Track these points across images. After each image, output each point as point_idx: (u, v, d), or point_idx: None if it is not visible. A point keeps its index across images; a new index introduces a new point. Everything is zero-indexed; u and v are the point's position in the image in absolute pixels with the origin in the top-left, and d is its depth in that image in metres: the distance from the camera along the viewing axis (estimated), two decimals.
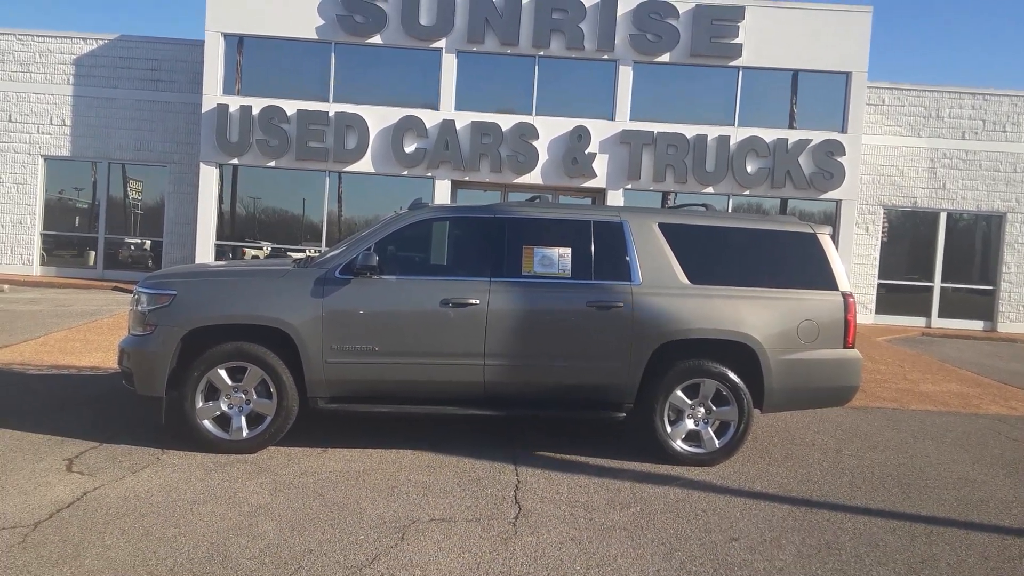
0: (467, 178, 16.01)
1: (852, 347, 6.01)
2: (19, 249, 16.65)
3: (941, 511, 5.13)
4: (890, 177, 17.40)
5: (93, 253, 17.25)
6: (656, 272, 5.84)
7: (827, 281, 6.00)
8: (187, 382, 5.44)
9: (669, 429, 5.77)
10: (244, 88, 15.85)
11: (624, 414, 5.82)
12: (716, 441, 5.80)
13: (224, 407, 5.53)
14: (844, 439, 6.93)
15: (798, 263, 6.09)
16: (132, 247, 17.58)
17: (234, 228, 16.68)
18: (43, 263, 17.22)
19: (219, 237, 16.16)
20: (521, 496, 4.95)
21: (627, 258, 5.86)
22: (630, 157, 16.04)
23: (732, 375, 5.76)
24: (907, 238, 17.98)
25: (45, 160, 16.83)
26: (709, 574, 3.93)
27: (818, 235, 6.12)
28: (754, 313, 5.83)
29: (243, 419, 5.53)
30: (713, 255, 6.09)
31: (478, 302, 5.60)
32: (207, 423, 5.50)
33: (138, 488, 4.73)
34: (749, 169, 15.93)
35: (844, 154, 16.03)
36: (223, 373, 5.48)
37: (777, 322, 5.84)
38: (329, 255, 5.84)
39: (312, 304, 5.51)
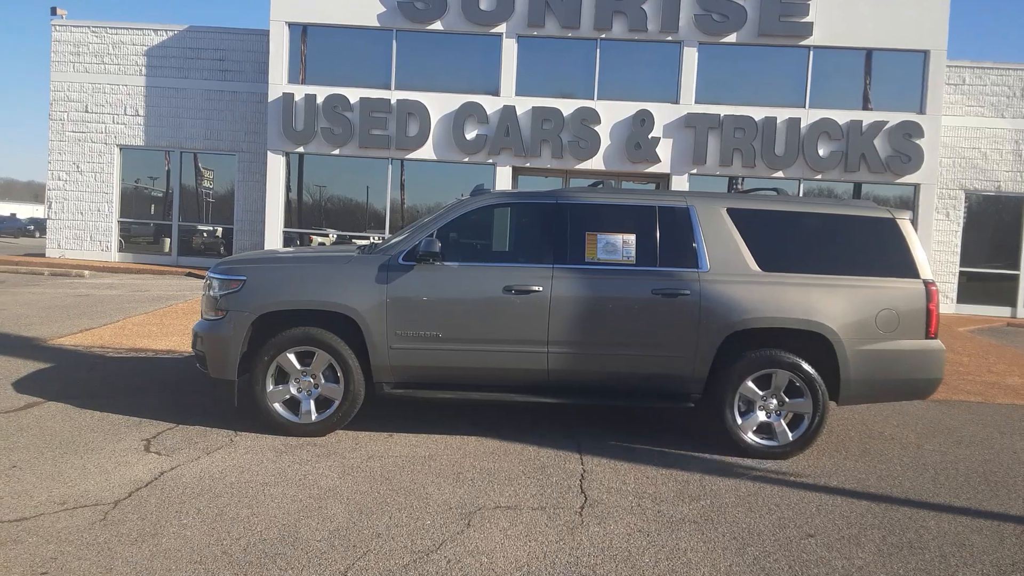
0: (528, 164, 15.92)
1: (935, 337, 5.73)
2: (98, 236, 17.32)
3: None
4: (972, 160, 16.59)
5: (167, 240, 17.84)
6: (725, 259, 5.67)
7: (908, 268, 5.73)
8: (257, 366, 5.54)
9: (740, 421, 5.62)
10: (308, 77, 16.08)
11: (692, 404, 5.69)
12: (789, 434, 5.62)
13: (293, 391, 5.61)
14: (925, 433, 6.64)
15: (876, 250, 5.83)
16: (204, 234, 18.10)
17: (301, 215, 17.00)
18: (120, 249, 17.88)
19: (286, 224, 16.48)
20: (587, 485, 4.89)
21: (694, 244, 5.70)
22: (695, 141, 15.69)
23: (806, 366, 5.57)
24: (990, 224, 17.13)
25: (120, 149, 17.44)
26: (784, 571, 3.80)
27: (897, 220, 5.84)
28: (829, 302, 5.61)
29: (312, 403, 5.60)
30: (785, 241, 5.88)
31: (541, 289, 5.53)
32: (277, 406, 5.59)
33: (212, 469, 4.83)
34: (821, 152, 15.39)
35: (923, 136, 15.34)
36: (292, 357, 5.56)
37: (854, 311, 5.61)
38: (392, 241, 5.86)
39: (376, 290, 5.53)
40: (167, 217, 17.69)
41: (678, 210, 5.80)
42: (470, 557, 3.77)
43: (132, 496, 4.33)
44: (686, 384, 5.65)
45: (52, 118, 17.17)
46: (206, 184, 17.85)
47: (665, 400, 5.72)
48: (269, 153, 16.08)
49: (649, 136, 15.73)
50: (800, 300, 5.60)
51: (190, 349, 7.11)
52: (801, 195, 14.59)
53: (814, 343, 5.63)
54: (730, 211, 5.80)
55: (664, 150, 15.78)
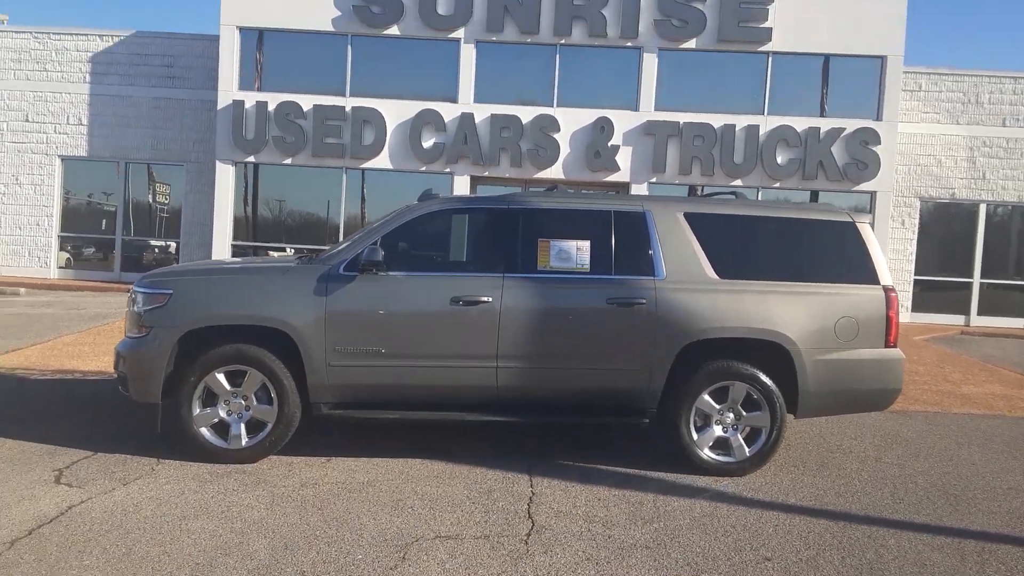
0: (487, 173, 15.67)
1: (894, 346, 5.56)
2: (37, 252, 16.61)
3: (992, 525, 4.68)
4: (927, 167, 16.72)
5: (111, 256, 17.17)
6: (681, 266, 5.44)
7: (867, 274, 5.56)
8: (183, 387, 5.16)
9: (695, 436, 5.37)
10: (260, 83, 15.64)
11: (647, 420, 5.43)
12: (746, 449, 5.39)
13: (223, 413, 5.23)
14: (883, 446, 6.47)
15: (836, 255, 5.66)
16: (156, 249, 17.47)
17: (252, 228, 16.50)
18: (63, 266, 17.18)
19: (236, 237, 15.98)
20: (535, 509, 4.59)
21: (650, 251, 5.47)
22: (655, 149, 15.56)
23: (764, 377, 5.35)
24: (944, 232, 17.27)
25: (62, 160, 16.78)
26: None
27: (857, 224, 5.67)
28: (788, 310, 5.41)
29: (242, 426, 5.23)
30: (743, 247, 5.68)
31: (490, 299, 5.24)
32: (204, 431, 5.21)
33: (127, 502, 4.44)
34: (779, 160, 15.36)
35: (879, 143, 15.40)
36: (221, 377, 5.19)
37: (813, 319, 5.41)
38: (334, 251, 5.52)
39: (315, 303, 5.19)
40: (110, 231, 16.98)
41: (634, 215, 5.56)
42: None
43: (32, 534, 3.93)
44: (642, 398, 5.40)
45: None
46: (160, 199, 17.25)
47: (620, 416, 5.46)
48: (218, 163, 15.57)
49: (609, 144, 15.57)
50: (758, 309, 5.39)
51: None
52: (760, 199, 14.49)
53: (772, 353, 5.42)
54: (687, 216, 5.58)
55: (624, 158, 15.63)
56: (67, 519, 4.15)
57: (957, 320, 16.93)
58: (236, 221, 16.24)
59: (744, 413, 5.41)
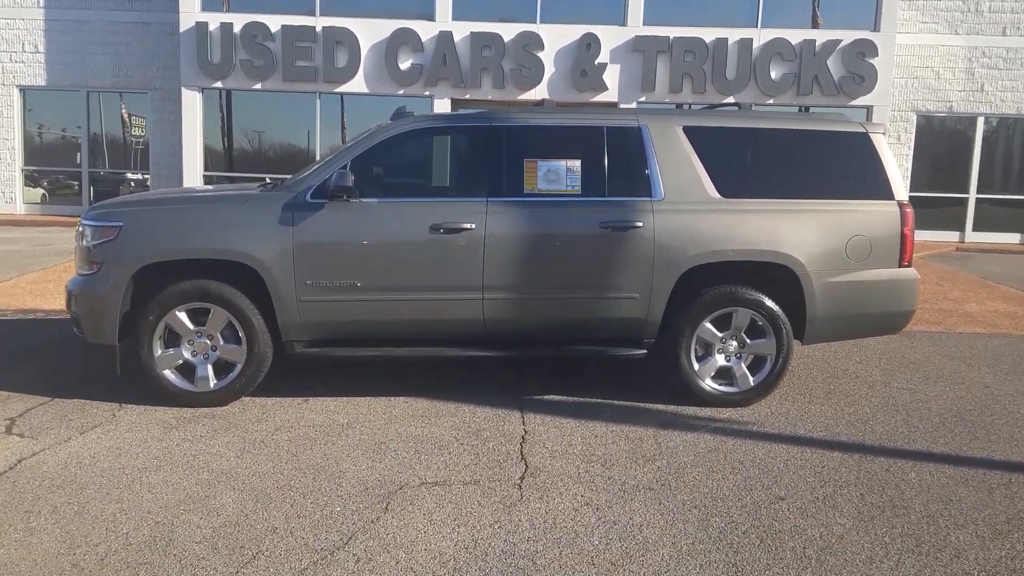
0: (468, 96, 14.92)
1: (909, 265, 5.19)
2: (0, 186, 15.87)
3: (1018, 454, 4.41)
4: (924, 80, 16.10)
5: (77, 188, 16.41)
6: (681, 185, 5.00)
7: (881, 189, 5.15)
8: (141, 327, 4.73)
9: (697, 366, 5.04)
10: (226, 4, 14.67)
11: (645, 351, 5.08)
12: (750, 378, 5.07)
13: (187, 355, 4.83)
14: (890, 369, 6.18)
15: (847, 169, 5.23)
16: (133, 184, 16.68)
17: (223, 158, 15.78)
18: (29, 201, 16.45)
19: (208, 168, 15.28)
20: (528, 450, 4.27)
21: (647, 170, 5.02)
22: (644, 66, 14.84)
23: (769, 302, 4.99)
24: (940, 147, 16.77)
25: (21, 91, 15.85)
26: (755, 546, 3.24)
27: (870, 135, 5.22)
28: (796, 229, 5.01)
29: (209, 368, 4.83)
30: (748, 163, 5.26)
31: (473, 226, 4.80)
32: (168, 373, 4.81)
33: (83, 453, 4.07)
34: (773, 75, 14.70)
35: (876, 55, 14.74)
36: (183, 316, 4.76)
37: (823, 239, 5.02)
38: (299, 177, 5.02)
39: (281, 234, 4.73)
40: (76, 164, 16.14)
41: (629, 130, 5.08)
42: (384, 553, 3.12)
43: None
44: (639, 328, 5.03)
45: None
46: (136, 131, 16.39)
47: (616, 348, 5.10)
48: (183, 89, 14.73)
49: (596, 62, 14.83)
50: (764, 229, 4.99)
51: None
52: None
53: (778, 277, 5.04)
54: (687, 130, 5.11)
55: (611, 77, 14.91)
56: (15, 474, 3.78)
57: (952, 236, 16.62)
58: (207, 151, 15.51)
59: (748, 341, 5.07)
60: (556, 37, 14.91)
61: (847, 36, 14.85)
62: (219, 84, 14.82)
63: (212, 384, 4.83)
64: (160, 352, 4.79)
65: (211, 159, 15.59)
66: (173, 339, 4.83)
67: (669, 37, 14.81)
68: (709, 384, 5.06)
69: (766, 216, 5.00)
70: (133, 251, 4.69)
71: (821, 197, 5.10)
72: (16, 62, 15.75)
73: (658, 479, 3.91)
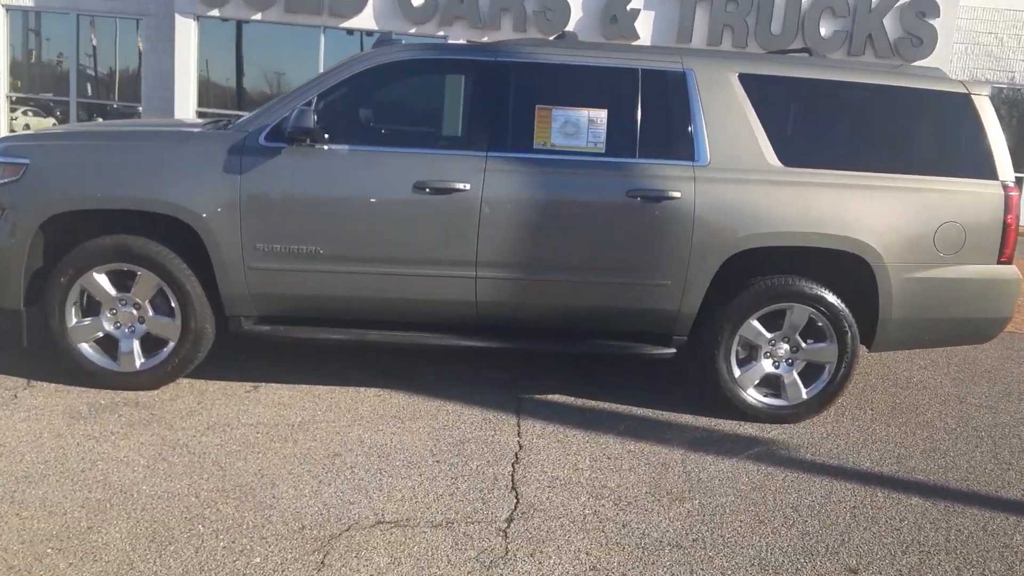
0: (485, 38, 13.66)
1: (1009, 262, 4.17)
2: None
3: None
4: (986, 47, 14.70)
5: (61, 118, 15.38)
6: (732, 148, 3.98)
7: (983, 166, 4.12)
8: (51, 290, 3.81)
9: (738, 372, 4.07)
10: None
11: (674, 350, 4.11)
12: (803, 390, 4.10)
13: (108, 326, 3.91)
14: (962, 379, 5.19)
15: (942, 138, 4.20)
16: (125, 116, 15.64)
17: (218, 93, 14.67)
18: (11, 131, 15.47)
19: (202, 104, 14.21)
20: (522, 475, 3.34)
21: (690, 127, 3.99)
22: (680, 14, 13.52)
23: (833, 299, 4.00)
24: (1001, 121, 15.43)
25: (7, 11, 14.72)
26: None
27: (973, 96, 4.16)
28: (873, 211, 4.00)
29: (135, 343, 3.92)
30: (818, 124, 4.23)
31: (468, 187, 3.81)
32: (85, 347, 3.90)
33: None
34: (823, 32, 13.35)
35: (938, 16, 13.36)
36: (102, 279, 3.83)
37: (907, 224, 4.02)
38: (254, 114, 4.02)
39: (225, 183, 3.76)
40: (63, 92, 15.08)
41: (670, 75, 4.04)
42: None
43: None
44: (668, 322, 4.06)
45: None
46: (135, 54, 15.19)
47: (638, 345, 4.13)
48: (177, 16, 13.55)
49: (628, 7, 13.52)
50: (834, 208, 3.98)
51: None
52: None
53: (847, 268, 4.05)
54: (744, 78, 4.06)
55: (644, 24, 13.62)
56: None
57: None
58: (201, 85, 14.41)
59: (803, 344, 4.09)
60: None
61: None
62: (216, 12, 13.64)
63: (139, 363, 3.92)
64: (75, 321, 3.87)
65: (205, 94, 14.50)
66: (93, 307, 3.91)
67: None
68: (752, 395, 4.10)
69: (837, 192, 3.99)
70: (40, 195, 3.75)
71: (907, 172, 4.07)
72: None
73: (688, 531, 2.97)
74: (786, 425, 4.10)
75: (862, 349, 4.18)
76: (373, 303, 3.97)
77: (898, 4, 13.49)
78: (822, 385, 4.10)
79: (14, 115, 15.62)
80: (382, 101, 4.31)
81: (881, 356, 5.50)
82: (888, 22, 13.47)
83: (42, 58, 15.88)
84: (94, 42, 15.45)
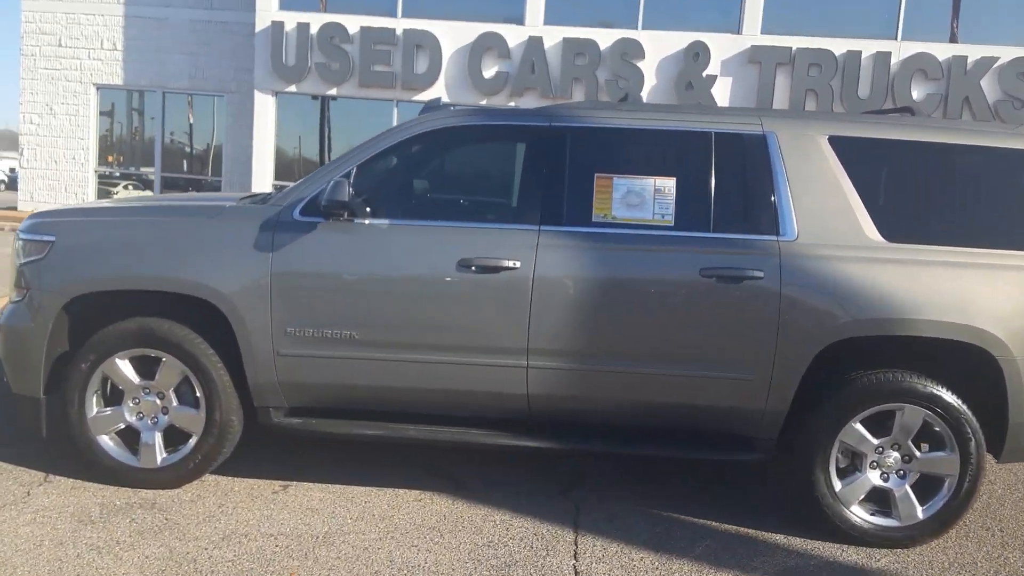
0: None
1: None
2: (73, 187, 15.55)
3: None
4: None
5: (149, 193, 16.01)
6: (824, 220, 3.46)
7: None
8: (72, 376, 3.55)
9: (838, 486, 3.44)
10: (302, 2, 13.89)
11: (760, 454, 3.51)
12: (918, 508, 3.42)
13: (130, 417, 3.61)
14: None
15: None
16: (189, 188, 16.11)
17: (295, 166, 14.99)
18: None
19: (279, 176, 14.51)
20: None
21: (773, 196, 3.50)
22: (760, 80, 13.08)
23: (951, 398, 3.35)
24: None
25: (97, 89, 15.54)
26: None
27: None
28: (996, 294, 3.38)
29: (157, 436, 3.60)
30: (924, 194, 3.63)
31: (518, 264, 3.39)
32: (105, 439, 3.61)
33: None
34: (915, 95, 12.64)
35: None
36: (125, 366, 3.55)
37: None
38: (291, 187, 3.74)
39: (255, 262, 3.46)
40: (148, 165, 15.69)
41: (748, 139, 3.57)
42: None
43: None
44: (753, 424, 3.49)
45: (23, 53, 15.33)
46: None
47: (717, 449, 3.56)
48: (256, 92, 13.99)
49: (704, 74, 13.19)
50: (948, 291, 3.37)
51: None
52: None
53: (966, 362, 3.41)
54: (835, 142, 3.55)
55: (722, 90, 13.22)
56: None
57: None
58: (279, 158, 14.78)
59: (918, 454, 3.43)
60: (659, 45, 13.37)
61: (1006, 53, 12.66)
62: (293, 88, 14.03)
63: (159, 458, 3.60)
64: (96, 411, 3.59)
65: (282, 167, 14.83)
66: (115, 396, 3.63)
67: (791, 48, 13.00)
68: (857, 513, 3.44)
69: (951, 272, 3.38)
70: (63, 275, 3.53)
71: None
72: (94, 59, 15.44)
73: None
74: (898, 551, 3.40)
75: (989, 459, 3.48)
76: (413, 394, 3.55)
77: (997, 64, 12.70)
78: (942, 502, 3.41)
79: (115, 189, 16.31)
80: (428, 171, 3.98)
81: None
82: (986, 83, 12.67)
83: (132, 134, 16.60)
84: (191, 120, 16.09)
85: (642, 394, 3.48)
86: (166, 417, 3.60)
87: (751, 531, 3.51)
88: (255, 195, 4.25)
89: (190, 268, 3.46)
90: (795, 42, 13.01)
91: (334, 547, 3.16)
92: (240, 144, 15.04)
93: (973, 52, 12.77)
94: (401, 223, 3.52)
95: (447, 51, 13.65)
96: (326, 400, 3.61)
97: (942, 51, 12.81)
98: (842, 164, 3.53)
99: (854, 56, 12.84)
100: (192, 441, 3.58)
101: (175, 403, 3.59)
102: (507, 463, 4.10)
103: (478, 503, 3.63)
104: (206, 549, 3.09)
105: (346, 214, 3.44)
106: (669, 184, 3.52)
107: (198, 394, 3.54)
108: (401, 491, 3.73)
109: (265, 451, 4.01)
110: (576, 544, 3.31)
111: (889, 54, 12.83)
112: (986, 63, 12.68)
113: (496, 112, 4.07)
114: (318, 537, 3.24)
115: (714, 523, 3.57)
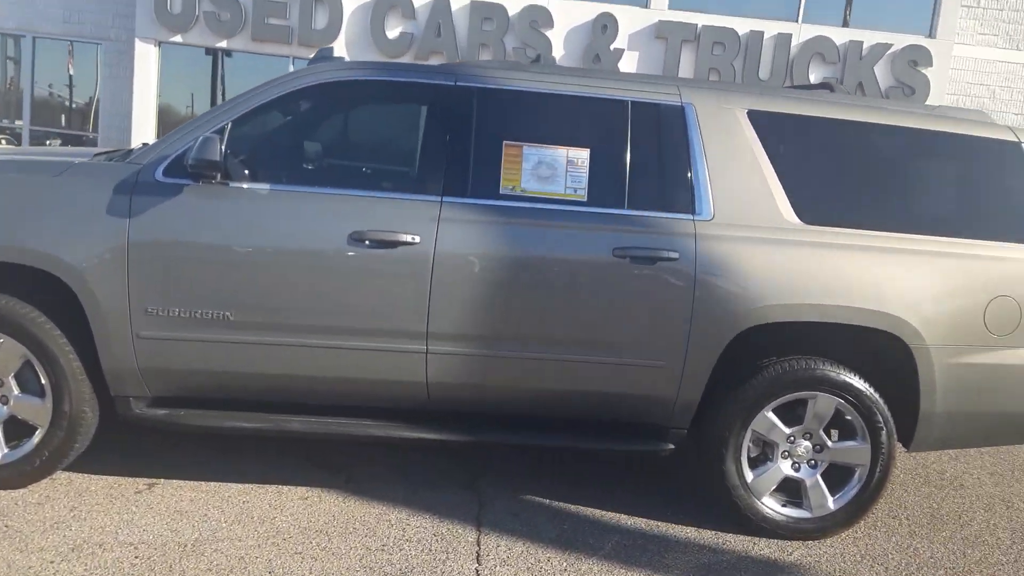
0: None
1: None
2: None
3: None
4: (977, 98, 14.36)
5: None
6: (741, 200, 3.28)
7: None
8: None
9: (750, 476, 3.31)
10: None
11: (672, 446, 3.34)
12: (829, 499, 3.34)
13: None
14: (1001, 473, 4.46)
15: (991, 194, 3.53)
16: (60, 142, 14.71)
17: (179, 123, 13.97)
18: None
19: (161, 133, 13.47)
20: None
21: (689, 172, 3.29)
22: (666, 56, 13.04)
23: (864, 386, 3.27)
24: None
25: None
26: None
27: None
28: (912, 280, 3.30)
29: None
30: (843, 175, 3.50)
31: (417, 239, 3.05)
32: None
33: None
34: (812, 78, 12.90)
35: (930, 64, 12.99)
36: None
37: (951, 298, 3.31)
38: (153, 145, 3.25)
39: (109, 228, 2.98)
40: (16, 118, 14.26)
41: (665, 109, 3.34)
42: None
43: None
44: (665, 412, 3.30)
45: None
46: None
47: (627, 440, 3.37)
48: (138, 41, 12.84)
49: (612, 47, 13.03)
50: (864, 277, 3.26)
51: None
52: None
53: (880, 349, 3.34)
54: (755, 116, 3.37)
55: (628, 64, 13.12)
56: None
57: None
58: (164, 115, 13.69)
59: (829, 443, 3.34)
60: (568, 15, 13.11)
61: (899, 40, 13.08)
62: (178, 38, 12.96)
63: (0, 454, 3.08)
64: None
65: (166, 123, 13.76)
66: None
67: (697, 25, 13.01)
68: (768, 504, 3.33)
69: (867, 256, 3.28)
70: None
71: (951, 234, 3.37)
72: None
73: None
74: (810, 543, 3.32)
75: (899, 448, 3.44)
76: (296, 383, 3.18)
77: (890, 51, 13.12)
78: (852, 492, 3.34)
79: None
80: (316, 131, 3.54)
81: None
82: (879, 70, 13.08)
83: (7, 84, 15.03)
84: (71, 70, 14.69)
85: (550, 382, 3.23)
86: (5, 408, 3.09)
87: (662, 525, 3.35)
88: (114, 151, 3.70)
89: (29, 235, 2.94)
90: (701, 19, 13.03)
91: (204, 557, 2.78)
92: (119, 98, 13.83)
93: (869, 38, 13.14)
94: (284, 189, 3.10)
95: (348, 7, 12.91)
96: (196, 389, 3.18)
97: (840, 35, 13.12)
98: (760, 140, 3.35)
99: (756, 36, 12.98)
100: (38, 435, 3.09)
101: (16, 391, 3.08)
102: (404, 454, 3.79)
103: (371, 501, 3.32)
104: (52, 562, 2.65)
105: (219, 176, 3.00)
106: (583, 156, 3.26)
107: (43, 381, 3.05)
108: (285, 488, 3.36)
109: (131, 445, 3.55)
110: (479, 544, 3.05)
111: (790, 36, 13.03)
112: (880, 49, 13.08)
113: (395, 67, 3.72)
114: (186, 545, 2.85)
115: (624, 517, 3.39)
